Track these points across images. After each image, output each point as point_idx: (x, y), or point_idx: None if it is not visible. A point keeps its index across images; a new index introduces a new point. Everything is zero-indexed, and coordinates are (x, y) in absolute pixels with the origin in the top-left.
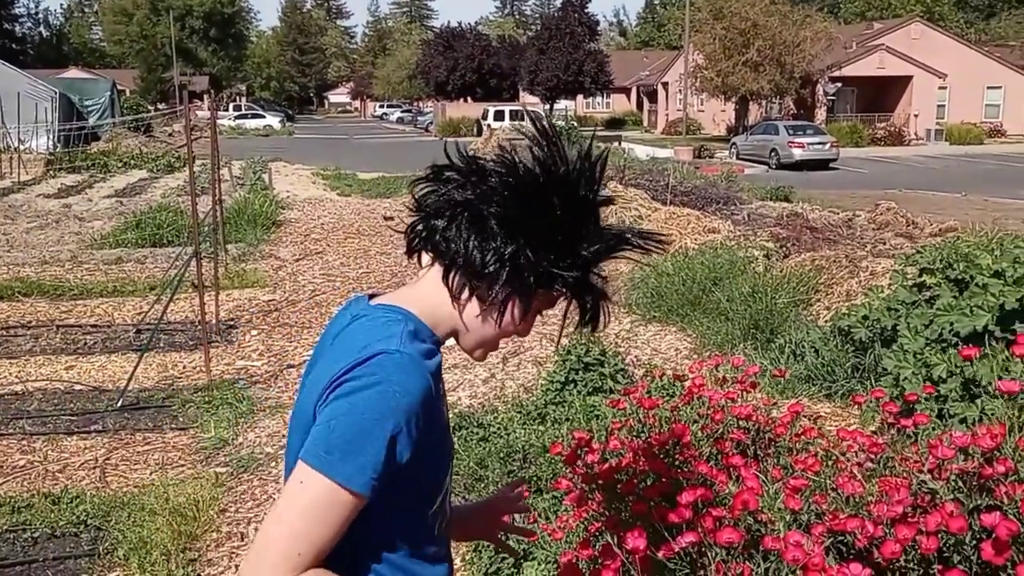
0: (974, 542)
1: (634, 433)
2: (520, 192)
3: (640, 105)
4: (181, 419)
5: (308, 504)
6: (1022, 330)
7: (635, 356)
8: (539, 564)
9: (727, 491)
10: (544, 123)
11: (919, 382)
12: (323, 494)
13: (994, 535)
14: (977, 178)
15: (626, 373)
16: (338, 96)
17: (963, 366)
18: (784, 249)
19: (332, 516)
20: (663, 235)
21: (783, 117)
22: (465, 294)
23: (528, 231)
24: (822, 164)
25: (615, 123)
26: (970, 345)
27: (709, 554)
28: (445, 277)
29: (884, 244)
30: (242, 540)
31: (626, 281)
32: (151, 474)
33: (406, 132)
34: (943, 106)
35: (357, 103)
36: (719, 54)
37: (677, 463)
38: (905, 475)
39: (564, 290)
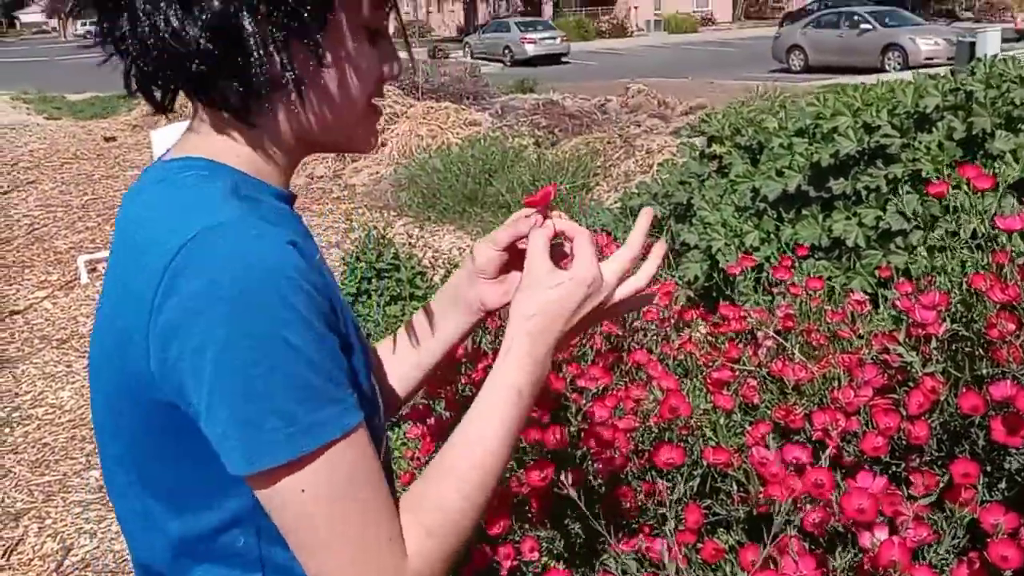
0: (976, 423)
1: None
2: None
3: None
4: None
5: (334, 492)
6: (839, 187)
7: (429, 258)
8: None
9: (651, 397)
10: None
11: (733, 252)
12: (340, 464)
13: (1011, 409)
14: (697, 63)
15: (424, 276)
16: (31, 16)
17: (777, 232)
18: (552, 136)
19: (364, 466)
20: None
21: (512, 15)
22: (233, 93)
23: None
24: (554, 59)
25: None
26: (780, 209)
27: (662, 483)
28: (196, 89)
29: (640, 126)
30: None
31: (392, 182)
32: None
33: None
34: None
35: (55, 22)
36: None
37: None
38: (854, 351)
39: None
